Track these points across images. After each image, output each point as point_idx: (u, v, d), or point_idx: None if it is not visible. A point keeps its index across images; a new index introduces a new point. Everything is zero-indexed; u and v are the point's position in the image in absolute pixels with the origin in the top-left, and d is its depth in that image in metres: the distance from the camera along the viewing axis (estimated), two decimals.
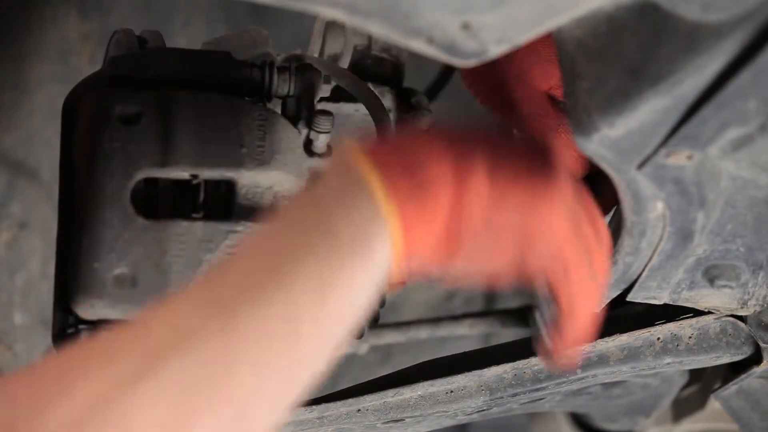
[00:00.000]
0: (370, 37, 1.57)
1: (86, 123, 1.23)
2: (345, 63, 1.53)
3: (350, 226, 0.86)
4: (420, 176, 0.89)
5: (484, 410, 1.43)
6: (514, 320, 1.99)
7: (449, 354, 1.42)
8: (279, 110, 1.29)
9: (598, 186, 1.26)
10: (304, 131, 1.28)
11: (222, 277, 0.87)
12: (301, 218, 0.89)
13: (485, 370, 1.37)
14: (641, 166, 1.05)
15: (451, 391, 1.38)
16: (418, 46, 0.92)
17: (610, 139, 1.02)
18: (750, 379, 1.42)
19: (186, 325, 0.83)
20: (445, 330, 2.02)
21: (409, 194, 0.89)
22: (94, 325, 1.20)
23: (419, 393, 1.37)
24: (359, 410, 1.36)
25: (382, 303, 1.54)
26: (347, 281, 0.86)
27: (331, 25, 1.54)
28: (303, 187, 1.00)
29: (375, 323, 1.55)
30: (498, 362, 1.37)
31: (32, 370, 0.85)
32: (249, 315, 0.83)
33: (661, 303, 1.28)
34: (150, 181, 1.22)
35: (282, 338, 0.84)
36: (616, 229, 1.20)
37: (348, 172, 0.89)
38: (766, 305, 1.31)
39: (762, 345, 1.37)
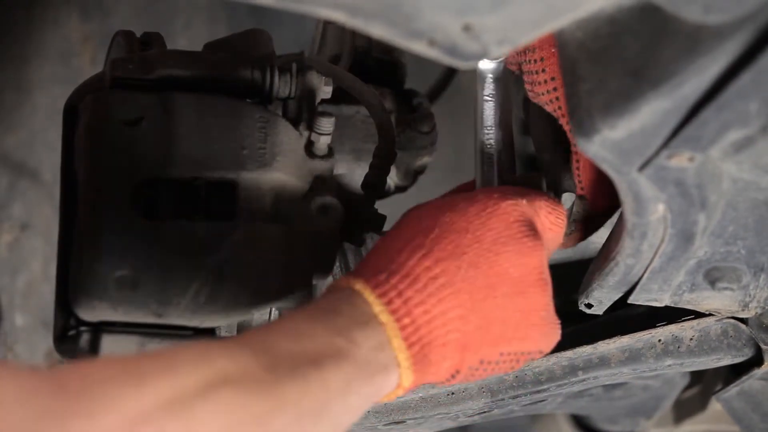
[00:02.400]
0: (370, 39, 1.57)
1: (87, 125, 1.23)
2: (346, 64, 1.53)
3: (373, 363, 1.07)
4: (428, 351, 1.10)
5: (485, 412, 1.43)
6: None
7: None
8: (280, 112, 1.29)
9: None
10: (305, 133, 1.28)
11: (276, 340, 1.03)
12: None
13: None
14: (642, 167, 1.05)
15: (452, 393, 1.38)
16: (420, 47, 0.92)
17: (612, 141, 1.02)
18: (751, 381, 1.42)
19: (242, 365, 0.97)
20: None
21: (419, 356, 1.10)
22: (96, 326, 1.20)
23: (420, 395, 1.37)
24: None
25: None
26: (362, 394, 1.07)
27: (332, 27, 1.54)
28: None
29: None
30: None
31: (85, 367, 0.93)
32: (292, 379, 1.00)
33: (663, 305, 1.27)
34: (151, 183, 1.22)
35: (313, 410, 1.02)
36: (618, 230, 1.20)
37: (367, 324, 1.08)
38: (767, 307, 1.31)
39: (763, 347, 1.36)
